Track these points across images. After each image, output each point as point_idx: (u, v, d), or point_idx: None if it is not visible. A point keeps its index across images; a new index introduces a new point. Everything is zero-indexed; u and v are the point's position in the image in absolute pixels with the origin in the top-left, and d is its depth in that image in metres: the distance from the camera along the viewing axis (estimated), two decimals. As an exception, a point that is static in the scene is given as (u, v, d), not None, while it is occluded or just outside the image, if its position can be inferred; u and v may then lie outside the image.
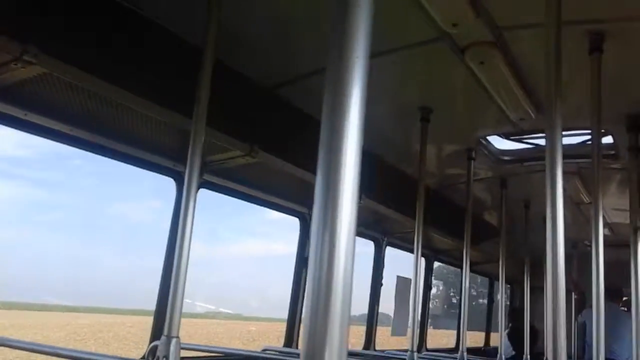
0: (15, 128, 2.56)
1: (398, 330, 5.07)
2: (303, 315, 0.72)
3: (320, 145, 0.77)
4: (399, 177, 4.34)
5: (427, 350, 6.00)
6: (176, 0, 2.39)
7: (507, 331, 6.45)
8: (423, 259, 5.37)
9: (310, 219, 3.58)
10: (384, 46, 2.60)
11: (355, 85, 0.78)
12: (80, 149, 2.80)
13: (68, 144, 2.74)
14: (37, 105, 2.47)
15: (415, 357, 3.29)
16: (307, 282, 0.72)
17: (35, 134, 2.63)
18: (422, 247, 3.56)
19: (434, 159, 4.31)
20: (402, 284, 5.06)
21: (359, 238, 2.85)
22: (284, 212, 4.21)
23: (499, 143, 4.26)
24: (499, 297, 7.52)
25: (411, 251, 3.66)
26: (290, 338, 4.20)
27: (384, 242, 5.16)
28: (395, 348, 5.13)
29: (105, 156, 2.92)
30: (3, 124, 2.51)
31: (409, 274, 5.02)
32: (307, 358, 0.69)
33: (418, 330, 3.54)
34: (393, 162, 4.27)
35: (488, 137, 4.09)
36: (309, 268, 0.73)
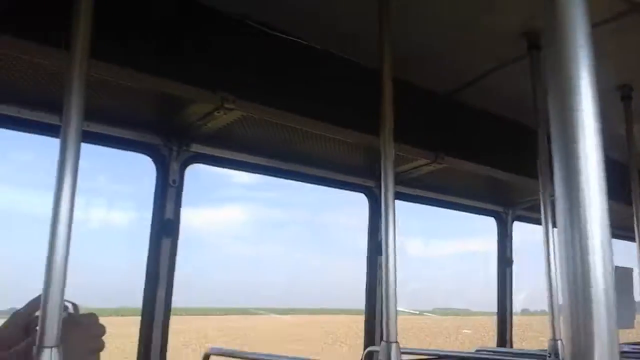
0: (223, 167, 2.88)
1: (622, 323, 4.63)
2: (563, 318, 0.70)
3: (553, 142, 0.74)
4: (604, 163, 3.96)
5: None
6: (346, 27, 2.49)
7: None
8: None
9: (507, 217, 3.44)
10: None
11: (584, 67, 0.73)
12: (281, 178, 3.05)
13: (269, 175, 3.01)
14: (238, 144, 2.76)
15: None
16: (562, 285, 0.69)
17: (242, 170, 2.94)
18: None
19: (641, 139, 3.85)
20: (622, 274, 4.63)
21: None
22: (478, 214, 4.09)
23: None
24: None
25: (628, 239, 3.34)
26: (503, 337, 4.08)
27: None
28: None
29: (304, 182, 3.14)
30: (212, 165, 2.83)
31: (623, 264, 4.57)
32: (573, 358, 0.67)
33: None
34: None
35: None
36: (561, 274, 0.70)
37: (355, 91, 2.67)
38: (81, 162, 1.28)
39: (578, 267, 0.67)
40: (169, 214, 2.55)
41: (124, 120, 2.43)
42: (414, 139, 2.87)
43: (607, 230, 0.69)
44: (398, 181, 3.29)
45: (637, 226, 3.23)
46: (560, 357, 2.50)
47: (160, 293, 2.50)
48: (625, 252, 3.83)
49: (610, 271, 0.68)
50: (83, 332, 1.12)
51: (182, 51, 2.23)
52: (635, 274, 3.91)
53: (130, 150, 2.55)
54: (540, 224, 2.64)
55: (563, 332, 0.69)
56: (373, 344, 3.17)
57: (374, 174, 3.08)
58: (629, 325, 4.63)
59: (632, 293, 4.71)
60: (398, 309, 2.02)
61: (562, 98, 0.73)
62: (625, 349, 3.96)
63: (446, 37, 2.65)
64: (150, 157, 2.58)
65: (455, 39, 2.68)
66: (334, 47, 2.59)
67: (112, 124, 2.41)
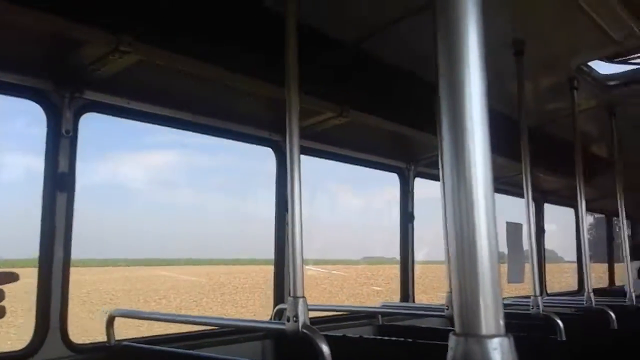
0: (121, 116, 2.72)
1: (513, 278, 4.91)
2: (451, 271, 0.72)
3: (441, 98, 0.74)
4: (495, 118, 4.16)
5: (548, 294, 5.80)
6: None
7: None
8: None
9: (409, 173, 3.54)
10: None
11: (471, 29, 0.73)
12: (184, 130, 2.95)
13: (172, 127, 2.89)
14: (138, 93, 2.63)
15: (539, 302, 3.17)
16: (449, 240, 0.71)
17: (140, 120, 2.79)
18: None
19: (532, 95, 4.07)
20: (513, 230, 4.89)
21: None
22: (382, 169, 4.19)
23: (603, 68, 3.94)
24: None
25: (518, 195, 3.53)
26: (406, 293, 4.25)
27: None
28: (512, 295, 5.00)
29: (209, 134, 3.05)
30: (109, 114, 2.67)
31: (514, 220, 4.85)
32: (460, 307, 0.69)
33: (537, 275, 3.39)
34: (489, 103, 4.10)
35: (589, 63, 3.79)
36: (449, 228, 0.72)
37: (260, 37, 2.60)
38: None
39: (464, 223, 0.70)
40: (62, 167, 2.40)
41: (9, 62, 2.24)
42: (320, 91, 2.86)
43: (490, 188, 0.71)
44: (304, 135, 3.29)
45: (526, 182, 3.35)
46: None
47: (58, 250, 2.37)
48: (516, 208, 4.07)
49: (493, 227, 0.71)
50: None
51: None
52: (524, 229, 4.12)
53: (17, 97, 2.36)
54: (439, 180, 2.73)
55: (452, 284, 0.72)
56: (282, 300, 3.21)
57: (281, 128, 3.05)
58: (519, 279, 4.86)
59: (522, 249, 4.94)
60: (319, 258, 2.04)
61: (450, 51, 0.73)
62: (508, 302, 4.22)
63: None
64: (40, 104, 2.40)
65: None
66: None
67: (-5, 66, 2.21)
